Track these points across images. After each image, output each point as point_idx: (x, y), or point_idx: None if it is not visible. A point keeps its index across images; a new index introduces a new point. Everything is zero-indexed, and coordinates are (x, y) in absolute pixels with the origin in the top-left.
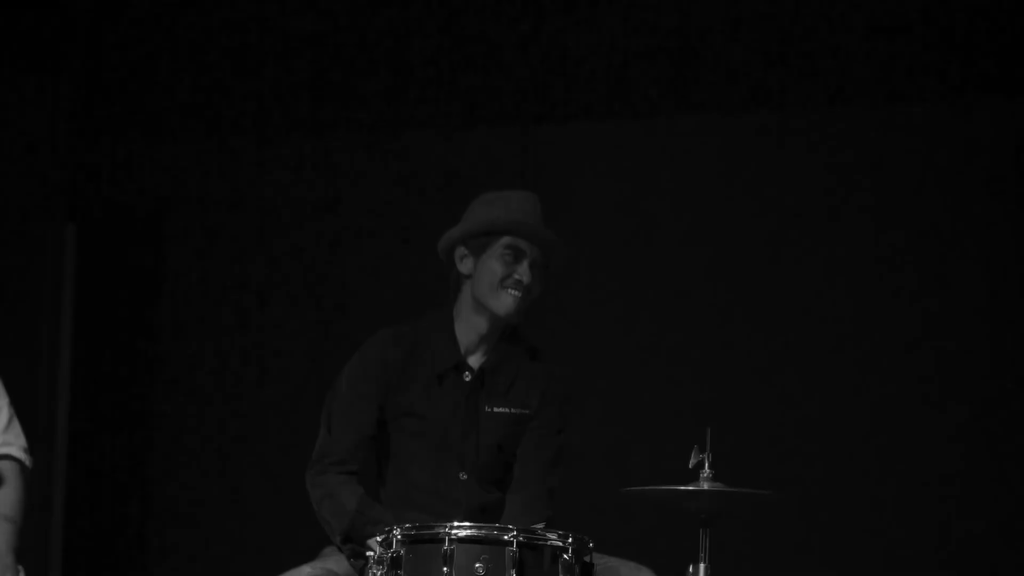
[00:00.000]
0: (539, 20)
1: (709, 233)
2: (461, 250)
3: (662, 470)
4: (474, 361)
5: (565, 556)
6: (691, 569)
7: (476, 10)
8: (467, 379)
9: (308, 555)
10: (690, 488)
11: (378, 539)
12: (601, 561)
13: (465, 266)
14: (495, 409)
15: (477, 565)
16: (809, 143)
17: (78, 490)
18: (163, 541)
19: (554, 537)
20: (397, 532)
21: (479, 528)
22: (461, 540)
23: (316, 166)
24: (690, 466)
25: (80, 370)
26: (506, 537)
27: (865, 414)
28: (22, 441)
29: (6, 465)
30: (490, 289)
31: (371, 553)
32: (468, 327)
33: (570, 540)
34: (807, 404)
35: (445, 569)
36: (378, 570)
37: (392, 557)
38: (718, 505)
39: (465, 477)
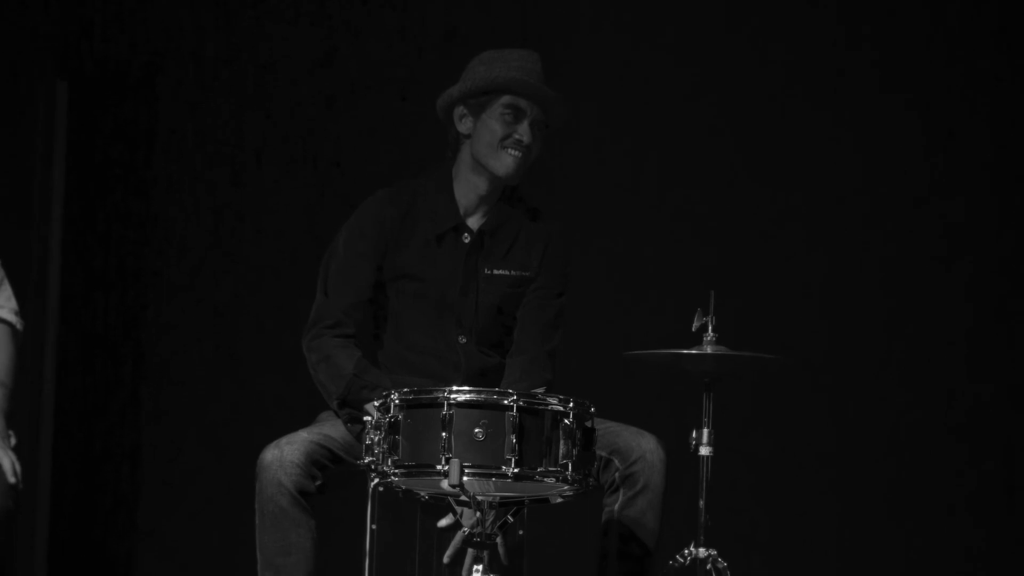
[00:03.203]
0: None
1: (713, 89)
2: (460, 109)
3: (665, 333)
4: (473, 222)
5: (566, 421)
6: (694, 434)
7: None
8: (466, 241)
9: (304, 420)
10: (693, 351)
11: (375, 404)
12: (603, 426)
13: (464, 126)
14: (494, 271)
15: (476, 430)
16: None
17: (70, 352)
18: (156, 405)
19: (555, 402)
20: (395, 396)
21: (478, 392)
22: (460, 405)
23: (313, 20)
24: (693, 329)
25: (72, 230)
26: (506, 402)
27: (871, 274)
28: (13, 303)
29: None
30: (490, 149)
31: (368, 418)
32: (467, 188)
33: (571, 405)
34: (812, 264)
35: (444, 434)
36: (375, 435)
37: (390, 422)
38: (722, 368)
39: (464, 340)
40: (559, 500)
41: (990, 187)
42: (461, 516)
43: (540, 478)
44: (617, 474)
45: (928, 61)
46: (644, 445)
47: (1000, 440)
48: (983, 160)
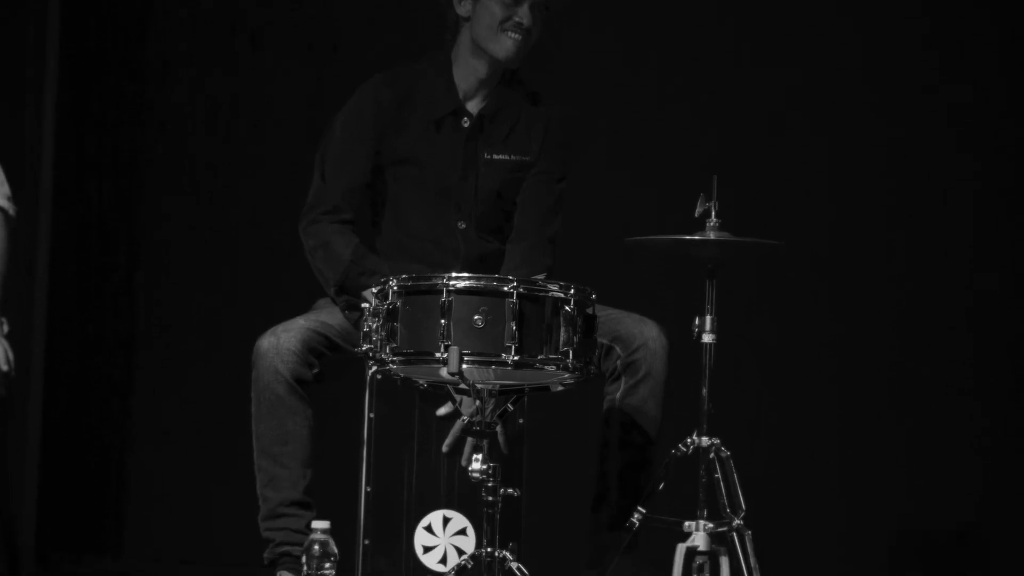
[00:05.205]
0: None
1: None
2: None
3: (667, 219)
4: (472, 107)
5: (567, 308)
6: (697, 321)
7: None
8: (465, 125)
9: (302, 307)
10: (696, 237)
11: (373, 290)
12: (604, 313)
13: (463, 8)
14: (494, 156)
15: (476, 317)
16: None
17: (64, 238)
18: (150, 291)
19: (555, 288)
20: (393, 283)
21: (478, 279)
22: (459, 291)
23: None
24: (696, 215)
25: (66, 115)
26: (506, 288)
27: (875, 160)
28: (6, 189)
29: None
30: (489, 32)
31: (366, 305)
32: (466, 71)
33: (572, 292)
34: (816, 149)
35: (443, 321)
36: (373, 322)
37: (388, 309)
38: (725, 255)
39: (463, 226)
40: (559, 388)
41: (998, 72)
42: (460, 404)
43: (540, 366)
44: (619, 362)
45: None
46: (646, 332)
47: (1005, 327)
48: (990, 45)
